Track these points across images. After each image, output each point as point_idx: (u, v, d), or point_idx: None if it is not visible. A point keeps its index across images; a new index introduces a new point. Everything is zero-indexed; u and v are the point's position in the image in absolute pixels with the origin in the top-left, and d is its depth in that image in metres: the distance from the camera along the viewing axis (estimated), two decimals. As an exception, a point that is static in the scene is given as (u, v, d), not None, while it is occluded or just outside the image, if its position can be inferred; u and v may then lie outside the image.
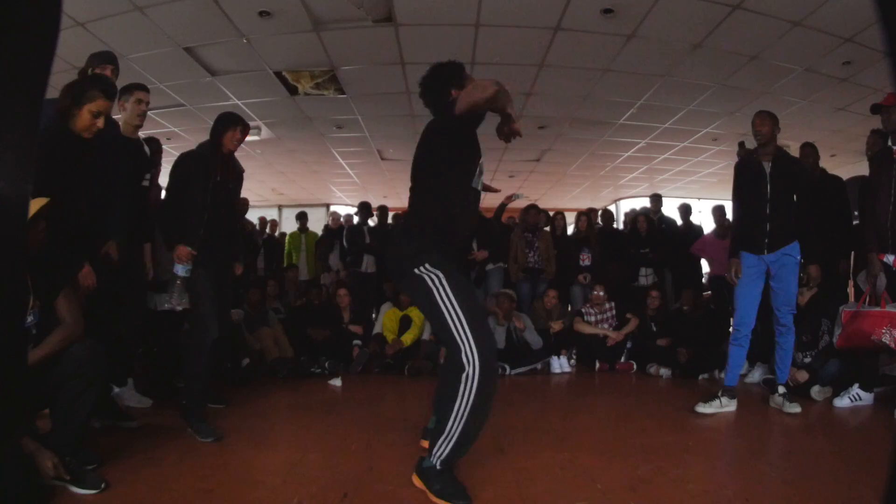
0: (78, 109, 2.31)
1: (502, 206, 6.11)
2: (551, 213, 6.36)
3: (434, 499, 1.97)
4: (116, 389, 3.33)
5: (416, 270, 2.04)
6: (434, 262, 2.04)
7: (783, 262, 3.23)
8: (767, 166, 3.25)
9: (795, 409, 3.19)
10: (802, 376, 3.61)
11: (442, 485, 1.97)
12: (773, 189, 3.23)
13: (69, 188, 2.37)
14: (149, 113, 2.72)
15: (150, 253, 3.35)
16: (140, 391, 3.38)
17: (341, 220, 7.61)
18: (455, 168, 2.15)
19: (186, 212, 2.86)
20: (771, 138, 3.26)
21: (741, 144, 4.63)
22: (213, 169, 2.93)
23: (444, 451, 1.97)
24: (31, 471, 1.88)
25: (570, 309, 5.75)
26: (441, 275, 2.02)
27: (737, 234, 3.43)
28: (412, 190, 2.22)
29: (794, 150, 7.52)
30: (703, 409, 3.23)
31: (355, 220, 7.09)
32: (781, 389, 3.30)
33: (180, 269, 2.80)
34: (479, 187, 2.23)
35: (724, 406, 3.24)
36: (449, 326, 1.97)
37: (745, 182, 3.35)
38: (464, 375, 1.92)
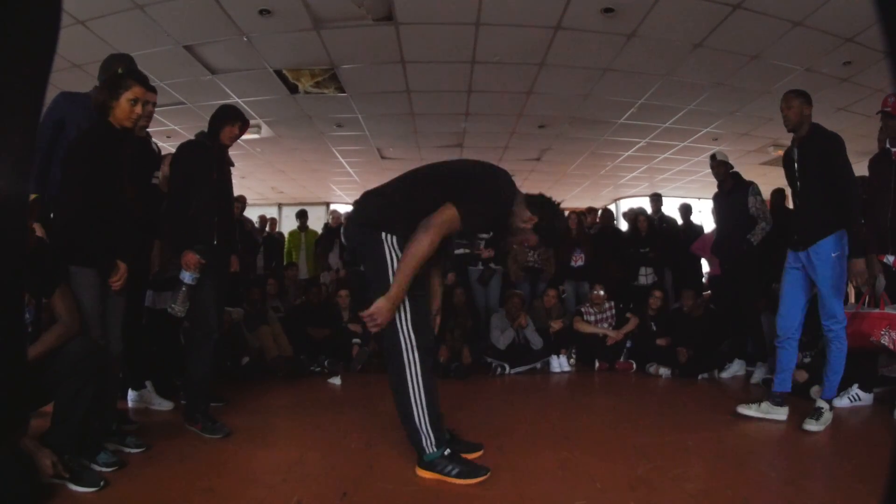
0: (116, 101, 2.34)
1: None
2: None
3: (458, 481, 2.08)
4: (133, 393, 3.33)
5: (383, 234, 2.12)
6: (402, 242, 2.10)
7: (816, 261, 2.87)
8: (796, 153, 2.94)
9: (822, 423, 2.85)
10: (802, 376, 3.61)
11: (459, 467, 2.12)
12: (802, 177, 2.91)
13: (119, 183, 2.40)
14: (148, 111, 2.76)
15: (159, 250, 3.32)
16: (160, 393, 3.37)
17: (341, 218, 7.61)
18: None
19: (196, 211, 2.82)
20: (799, 122, 2.90)
21: (713, 157, 4.63)
22: (215, 162, 2.92)
23: (430, 437, 2.13)
24: (31, 469, 1.88)
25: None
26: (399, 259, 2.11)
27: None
28: (402, 186, 2.23)
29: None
30: (745, 410, 3.00)
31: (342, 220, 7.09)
32: (820, 403, 2.91)
33: (187, 277, 2.72)
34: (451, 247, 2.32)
35: (767, 413, 2.98)
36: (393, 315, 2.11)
37: (787, 176, 3.07)
38: (406, 367, 2.12)
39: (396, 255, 2.11)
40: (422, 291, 2.20)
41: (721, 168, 4.55)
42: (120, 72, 2.43)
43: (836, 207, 2.81)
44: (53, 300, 2.10)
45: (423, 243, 2.01)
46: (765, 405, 3.00)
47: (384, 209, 2.19)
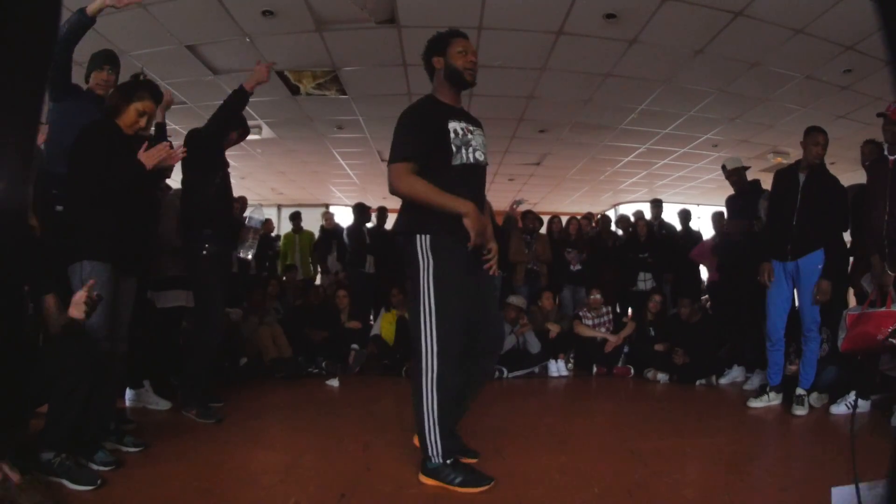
0: (126, 106, 2.35)
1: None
2: (549, 217, 6.38)
3: (461, 490, 2.03)
4: (131, 392, 3.33)
5: (417, 237, 2.07)
6: (436, 242, 2.05)
7: (806, 271, 3.35)
8: (802, 178, 3.41)
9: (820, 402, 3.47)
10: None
11: (463, 476, 2.06)
12: (804, 199, 3.37)
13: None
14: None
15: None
16: (158, 393, 3.36)
17: (335, 219, 7.59)
18: (428, 153, 2.09)
19: (211, 198, 2.91)
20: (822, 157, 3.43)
21: (740, 171, 4.62)
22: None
23: (436, 447, 2.07)
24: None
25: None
26: (431, 262, 2.05)
27: (765, 240, 3.62)
28: None
29: (793, 158, 7.50)
30: (753, 403, 3.53)
31: (336, 220, 7.10)
32: (799, 391, 3.39)
33: (255, 221, 3.09)
34: (472, 159, 2.14)
35: (772, 400, 3.53)
36: (419, 320, 2.05)
37: (779, 191, 3.56)
38: (423, 374, 2.04)
39: (429, 258, 2.05)
40: (457, 293, 2.08)
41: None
42: (141, 78, 2.45)
43: (825, 231, 3.34)
44: (47, 300, 2.09)
45: (404, 190, 2.05)
46: (772, 395, 3.55)
47: (406, 212, 2.17)
